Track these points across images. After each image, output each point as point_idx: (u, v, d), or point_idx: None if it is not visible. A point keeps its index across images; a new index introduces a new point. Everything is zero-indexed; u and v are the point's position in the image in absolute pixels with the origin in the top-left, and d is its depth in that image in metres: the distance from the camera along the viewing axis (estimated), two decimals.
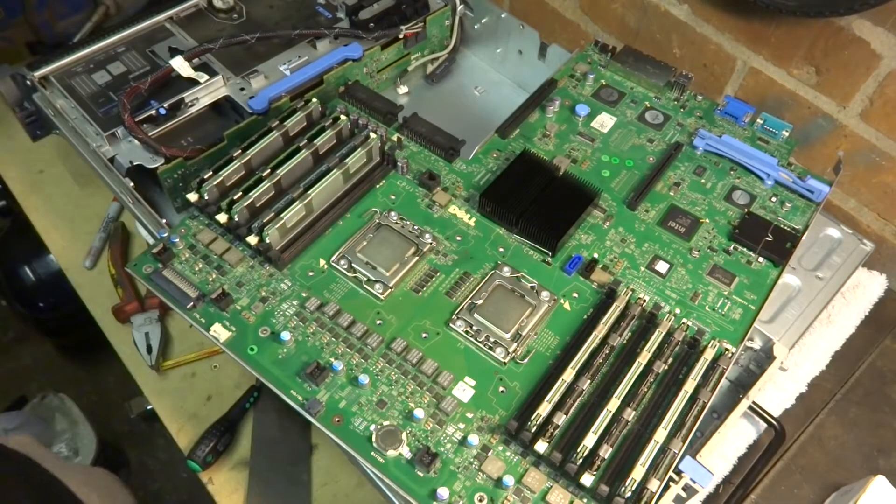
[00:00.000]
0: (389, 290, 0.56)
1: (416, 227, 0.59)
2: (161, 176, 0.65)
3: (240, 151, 0.60)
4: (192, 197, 0.58)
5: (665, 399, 0.51)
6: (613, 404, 0.49)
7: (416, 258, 0.58)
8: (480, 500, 0.47)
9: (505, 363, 0.53)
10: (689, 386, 0.51)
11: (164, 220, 0.64)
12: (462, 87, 0.89)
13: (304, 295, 0.55)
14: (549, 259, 0.59)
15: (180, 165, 0.65)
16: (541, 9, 0.95)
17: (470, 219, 0.61)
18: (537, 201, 0.60)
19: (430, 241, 0.59)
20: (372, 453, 0.48)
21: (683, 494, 0.50)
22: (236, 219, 0.56)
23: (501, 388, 0.52)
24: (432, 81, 0.88)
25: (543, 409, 0.49)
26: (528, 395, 0.51)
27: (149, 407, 0.76)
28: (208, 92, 0.71)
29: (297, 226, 0.58)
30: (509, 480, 0.47)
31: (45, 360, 1.49)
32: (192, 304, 0.54)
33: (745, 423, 0.63)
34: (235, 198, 0.57)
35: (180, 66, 0.70)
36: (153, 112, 0.68)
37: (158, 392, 0.73)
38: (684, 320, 0.56)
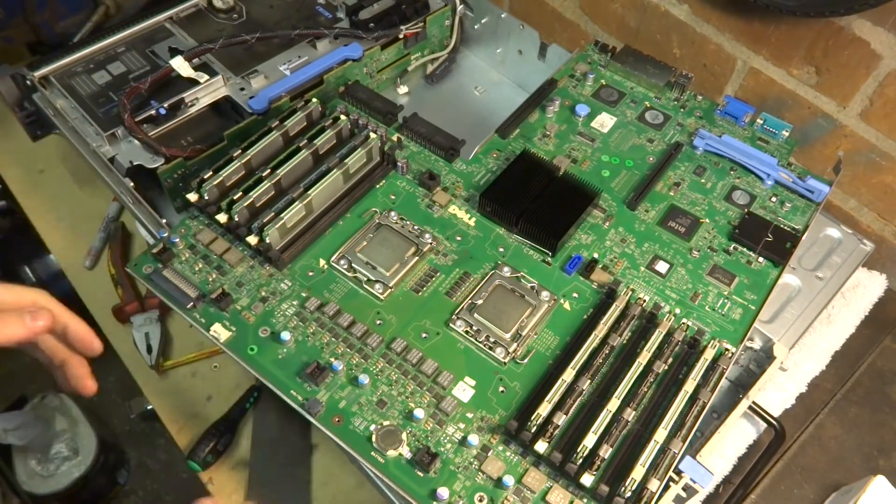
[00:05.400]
0: (389, 290, 0.56)
1: (416, 227, 0.59)
2: (161, 176, 0.65)
3: (240, 151, 0.60)
4: (192, 197, 0.58)
5: (665, 399, 0.51)
6: (613, 404, 0.49)
7: (416, 258, 0.58)
8: (480, 500, 0.47)
9: (505, 363, 0.53)
10: (689, 386, 0.51)
11: (164, 220, 0.64)
12: (462, 87, 0.89)
13: (304, 295, 0.55)
14: (549, 259, 0.59)
15: (180, 165, 0.65)
16: (541, 9, 0.95)
17: (470, 219, 0.61)
18: (537, 201, 0.60)
19: (430, 241, 0.59)
20: (372, 453, 0.48)
21: (683, 494, 0.50)
22: (236, 219, 0.56)
23: (501, 388, 0.52)
24: (432, 81, 0.88)
25: (543, 409, 0.49)
26: (528, 395, 0.51)
27: (149, 407, 0.76)
28: (208, 92, 0.71)
29: (297, 226, 0.58)
30: (509, 480, 0.47)
31: None
32: (192, 304, 0.54)
33: (745, 423, 0.63)
34: (235, 198, 0.57)
35: (180, 66, 0.70)
36: (153, 112, 0.68)
37: (158, 392, 0.73)
38: (684, 320, 0.56)
